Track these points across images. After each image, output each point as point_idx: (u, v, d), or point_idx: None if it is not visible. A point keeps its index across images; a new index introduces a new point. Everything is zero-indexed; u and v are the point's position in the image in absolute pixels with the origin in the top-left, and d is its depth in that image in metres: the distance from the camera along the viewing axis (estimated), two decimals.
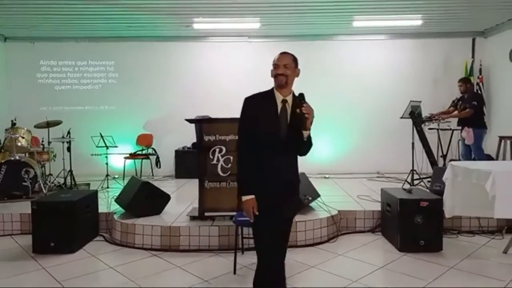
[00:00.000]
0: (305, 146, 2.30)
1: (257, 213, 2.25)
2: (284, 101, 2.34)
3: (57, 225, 3.88)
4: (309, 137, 2.28)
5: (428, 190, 4.95)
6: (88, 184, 6.17)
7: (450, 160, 5.69)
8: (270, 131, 2.27)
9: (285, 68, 2.32)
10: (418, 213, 3.79)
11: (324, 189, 5.28)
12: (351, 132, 7.60)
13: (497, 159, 6.28)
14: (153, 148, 7.46)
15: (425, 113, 6.22)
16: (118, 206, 4.62)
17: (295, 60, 2.40)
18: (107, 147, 6.42)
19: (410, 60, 7.65)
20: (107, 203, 4.98)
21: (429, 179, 5.53)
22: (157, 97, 7.66)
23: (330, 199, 4.92)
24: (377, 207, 4.54)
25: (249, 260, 3.63)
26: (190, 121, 4.19)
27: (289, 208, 2.39)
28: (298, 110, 2.25)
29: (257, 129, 2.27)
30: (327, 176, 7.00)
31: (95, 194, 4.62)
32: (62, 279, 3.28)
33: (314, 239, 4.10)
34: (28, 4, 5.66)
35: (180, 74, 7.68)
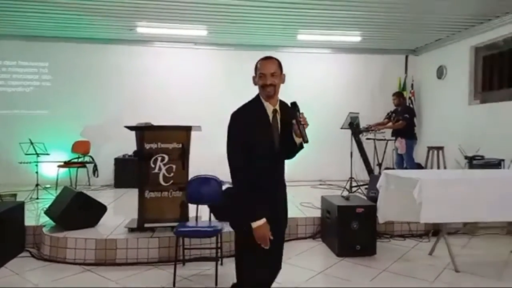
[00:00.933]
0: (297, 151, 2.22)
1: (272, 237, 2.05)
2: (275, 111, 2.21)
3: None
4: (300, 145, 2.18)
5: (365, 197, 5.22)
6: (15, 195, 5.65)
7: (385, 168, 6.05)
8: (266, 144, 2.14)
9: (273, 77, 2.17)
10: (354, 219, 3.97)
11: None
12: None
13: (426, 167, 6.81)
14: (90, 156, 7.05)
15: (362, 124, 6.58)
16: (48, 219, 4.29)
17: (280, 65, 2.25)
18: (37, 155, 5.96)
19: (350, 74, 8.07)
20: (35, 216, 4.61)
21: (366, 186, 5.83)
22: (96, 102, 7.31)
23: None
24: (318, 213, 4.67)
25: (190, 271, 3.56)
26: (130, 128, 4.03)
27: (286, 217, 2.34)
28: (294, 121, 2.14)
29: (254, 146, 2.11)
30: None
31: (21, 205, 4.24)
32: None
33: None
34: None
35: (122, 79, 7.41)
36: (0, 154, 5.85)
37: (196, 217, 3.66)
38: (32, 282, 3.37)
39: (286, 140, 2.17)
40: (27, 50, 7.18)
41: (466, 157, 5.91)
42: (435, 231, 4.50)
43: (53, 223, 4.20)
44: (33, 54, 7.22)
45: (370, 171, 6.30)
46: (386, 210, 4.04)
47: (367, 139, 6.68)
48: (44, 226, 4.20)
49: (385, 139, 6.72)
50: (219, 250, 3.48)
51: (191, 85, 7.36)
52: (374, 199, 4.51)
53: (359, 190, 6.14)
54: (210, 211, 3.88)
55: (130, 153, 6.93)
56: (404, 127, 6.31)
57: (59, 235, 3.89)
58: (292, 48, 7.80)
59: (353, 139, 6.36)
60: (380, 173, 5.97)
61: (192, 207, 3.75)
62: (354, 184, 6.29)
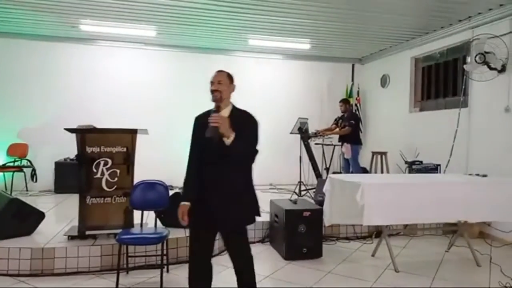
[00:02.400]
0: (233, 153, 2.38)
1: (185, 222, 2.47)
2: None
3: None
4: (236, 144, 2.35)
5: (312, 201, 5.35)
6: None
7: (333, 173, 6.27)
8: (206, 146, 2.43)
9: (219, 84, 2.52)
10: (301, 222, 4.06)
11: None
12: None
13: (370, 171, 7.13)
14: (28, 160, 6.59)
15: (311, 129, 6.76)
16: None
17: (229, 76, 2.61)
18: None
19: (300, 80, 8.28)
20: None
21: (314, 190, 5.99)
22: (35, 102, 6.85)
23: None
24: (267, 218, 4.70)
25: (134, 279, 3.44)
26: (70, 130, 3.83)
27: (227, 220, 2.46)
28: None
29: (197, 144, 2.54)
30: None
31: None
32: None
33: None
34: None
35: (64, 78, 7.01)
36: None
37: (141, 223, 3.55)
38: None
39: (222, 144, 2.39)
40: None
41: (406, 162, 6.26)
42: (377, 233, 4.70)
43: None
44: None
45: (318, 175, 6.48)
46: (332, 213, 4.16)
47: (316, 144, 6.89)
48: None
49: (332, 144, 6.96)
50: (164, 257, 3.39)
51: (139, 87, 7.14)
52: (322, 203, 4.61)
53: (308, 194, 6.30)
54: (156, 217, 3.78)
55: (72, 156, 6.60)
56: (350, 132, 6.57)
57: None
58: (243, 53, 7.85)
59: (302, 143, 6.51)
60: (327, 177, 6.20)
61: (137, 213, 3.62)
62: (303, 188, 6.44)
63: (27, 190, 6.51)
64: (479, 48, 4.98)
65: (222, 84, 2.52)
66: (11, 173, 6.41)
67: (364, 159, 7.47)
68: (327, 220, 4.19)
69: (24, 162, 6.55)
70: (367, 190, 3.62)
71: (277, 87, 8.12)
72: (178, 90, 7.32)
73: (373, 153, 7.18)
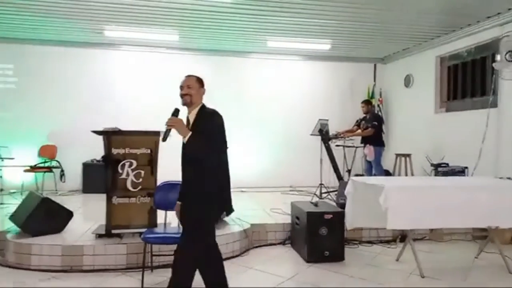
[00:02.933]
0: (190, 150, 2.58)
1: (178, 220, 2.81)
2: (187, 118, 2.68)
3: None
4: (190, 140, 2.53)
5: (334, 203, 5.31)
6: None
7: (355, 175, 6.20)
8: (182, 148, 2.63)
9: (188, 88, 2.64)
10: (323, 225, 4.03)
11: (239, 203, 5.34)
12: (266, 147, 7.87)
13: (394, 174, 7.01)
14: (57, 161, 6.82)
15: (332, 131, 6.71)
16: (12, 224, 4.14)
17: (199, 80, 2.70)
18: (1, 159, 5.74)
19: (319, 81, 8.24)
20: (0, 221, 4.44)
21: (336, 193, 5.94)
22: (63, 105, 7.11)
23: (245, 212, 5.01)
24: (288, 220, 4.72)
25: (158, 278, 3.51)
26: (97, 132, 3.96)
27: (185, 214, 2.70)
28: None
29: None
30: (243, 190, 7.12)
31: None
32: None
33: (227, 254, 4.09)
34: None
35: (90, 82, 7.26)
36: None
37: (165, 223, 3.62)
38: None
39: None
40: None
41: (432, 165, 6.12)
42: (402, 237, 4.59)
43: (18, 229, 4.05)
44: None
45: (339, 177, 6.42)
46: (354, 216, 4.11)
47: (337, 145, 6.82)
48: (9, 232, 4.06)
49: (354, 146, 6.88)
50: None
51: (162, 90, 7.28)
52: (343, 206, 4.58)
53: (329, 196, 6.25)
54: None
55: (99, 158, 6.78)
56: (373, 134, 6.47)
57: (23, 241, 3.77)
58: (262, 55, 7.89)
59: (322, 145, 6.47)
60: (349, 179, 6.13)
61: (161, 213, 3.70)
62: (324, 190, 6.39)
63: (56, 190, 6.75)
64: (509, 45, 4.82)
65: (191, 88, 2.64)
66: (42, 173, 6.68)
67: (387, 161, 7.36)
68: (349, 223, 4.15)
69: (54, 163, 6.78)
70: (391, 193, 3.56)
71: (296, 89, 8.10)
72: None
73: (397, 155, 7.06)
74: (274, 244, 4.58)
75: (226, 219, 4.62)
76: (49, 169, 6.67)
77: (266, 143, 7.86)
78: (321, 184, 6.39)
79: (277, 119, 7.88)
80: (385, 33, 6.53)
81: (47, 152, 6.98)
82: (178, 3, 5.21)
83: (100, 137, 4.01)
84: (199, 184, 2.62)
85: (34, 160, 6.85)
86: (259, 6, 5.27)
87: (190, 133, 2.53)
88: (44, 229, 3.97)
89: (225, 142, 2.75)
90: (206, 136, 2.53)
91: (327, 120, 6.55)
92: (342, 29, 6.30)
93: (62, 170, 6.71)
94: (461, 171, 5.66)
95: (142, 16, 5.71)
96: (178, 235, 3.37)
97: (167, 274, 3.63)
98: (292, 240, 4.53)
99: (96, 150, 6.38)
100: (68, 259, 3.69)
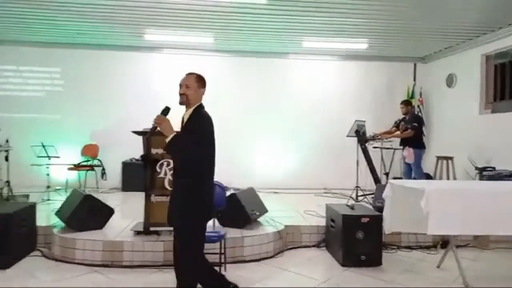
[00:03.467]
0: (170, 150, 2.60)
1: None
2: (183, 117, 2.70)
3: None
4: (171, 141, 2.53)
5: (371, 207, 5.18)
6: (27, 196, 5.77)
7: (393, 178, 6.01)
8: None
9: (186, 88, 2.62)
10: (359, 228, 3.94)
11: (272, 204, 5.34)
12: (300, 149, 7.80)
13: (435, 177, 6.72)
14: (98, 159, 7.14)
15: (369, 132, 6.54)
16: (58, 220, 4.37)
17: (198, 80, 2.66)
18: (49, 157, 6.08)
19: (356, 81, 8.06)
20: (46, 216, 4.70)
21: (373, 196, 5.79)
22: (105, 107, 7.42)
23: (278, 214, 4.99)
24: (323, 222, 4.65)
25: None
26: (137, 133, 4.09)
27: (169, 217, 2.73)
28: None
29: None
30: (276, 191, 7.10)
31: (33, 206, 4.34)
32: None
33: (261, 254, 4.11)
34: None
35: (131, 84, 7.52)
36: (13, 156, 5.96)
37: None
38: (42, 280, 3.44)
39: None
40: (41, 56, 7.35)
41: (476, 168, 5.83)
42: (443, 242, 4.43)
43: (63, 224, 4.28)
44: (46, 60, 7.38)
45: (376, 180, 6.25)
46: (392, 220, 3.97)
47: (374, 147, 6.64)
48: (55, 226, 4.29)
49: (392, 148, 6.68)
50: (222, 256, 3.49)
51: None
52: (381, 209, 4.45)
53: (365, 200, 6.10)
54: (214, 217, 3.90)
55: (137, 157, 7.02)
56: (413, 136, 6.25)
57: (68, 236, 3.96)
58: (297, 55, 7.83)
59: (359, 147, 6.33)
60: (387, 182, 5.95)
61: None
62: (360, 193, 6.25)
63: (97, 188, 7.05)
64: None
65: (190, 88, 2.61)
66: (85, 171, 7.00)
67: (428, 164, 7.08)
68: (387, 228, 4.01)
69: (96, 162, 7.10)
70: (432, 197, 3.41)
71: (332, 89, 7.98)
72: (231, 94, 7.51)
73: (438, 158, 6.78)
74: (308, 247, 4.53)
75: (260, 219, 4.63)
76: (91, 167, 6.98)
77: (300, 144, 7.80)
78: (357, 186, 6.25)
79: (311, 120, 7.80)
80: (426, 31, 6.29)
81: (90, 151, 7.31)
82: (213, 5, 5.28)
83: (140, 137, 4.14)
84: (190, 184, 2.58)
85: (78, 158, 7.19)
86: (294, 7, 5.24)
87: (174, 134, 2.52)
88: (86, 225, 4.16)
89: (212, 146, 2.66)
90: (192, 138, 2.51)
91: (364, 121, 6.40)
92: (380, 28, 6.14)
93: (103, 169, 7.04)
94: (509, 175, 5.33)
95: (179, 20, 5.85)
96: (213, 234, 3.43)
97: None
98: (327, 243, 4.46)
99: (135, 150, 6.66)
100: (109, 254, 3.84)
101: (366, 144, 6.36)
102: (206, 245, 3.82)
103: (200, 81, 2.66)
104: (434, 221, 3.39)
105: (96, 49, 7.37)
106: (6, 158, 5.81)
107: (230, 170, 6.52)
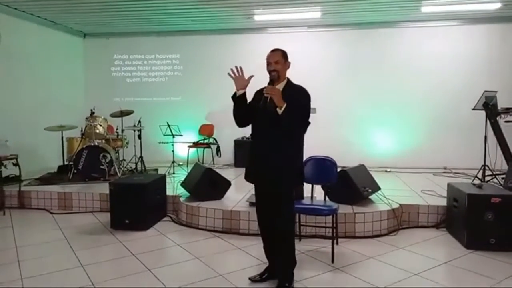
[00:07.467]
0: (284, 122, 2.59)
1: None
2: (260, 91, 2.76)
3: (131, 205, 4.27)
4: (285, 112, 2.56)
5: (501, 187, 4.62)
6: (156, 170, 6.63)
7: None
8: (259, 116, 2.72)
9: (276, 64, 2.71)
10: (488, 209, 3.57)
11: (385, 183, 5.14)
12: (416, 125, 7.26)
13: None
14: (214, 138, 7.77)
15: (501, 105, 5.75)
16: (183, 190, 4.95)
17: (284, 55, 2.76)
18: (173, 136, 6.83)
19: (485, 47, 7.08)
20: (173, 187, 5.34)
21: (503, 176, 5.13)
22: (218, 89, 7.85)
23: (392, 192, 4.80)
24: (442, 202, 4.34)
25: (306, 247, 3.70)
26: None
27: (269, 174, 2.76)
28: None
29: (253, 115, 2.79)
30: (388, 170, 6.78)
31: (163, 178, 4.97)
32: (137, 252, 3.62)
33: (374, 232, 4.04)
34: (104, 2, 6.13)
35: (241, 66, 7.84)
36: (144, 135, 6.83)
37: (311, 196, 3.76)
38: (174, 242, 3.97)
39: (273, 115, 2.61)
40: (162, 44, 8.17)
41: None
42: None
43: (188, 194, 4.82)
44: (167, 48, 8.17)
45: (509, 159, 5.49)
46: None
47: (506, 121, 5.82)
48: (181, 196, 4.84)
49: None
50: (334, 230, 3.53)
51: (304, 68, 7.39)
52: None
53: (494, 180, 5.43)
54: (325, 192, 3.93)
55: (248, 135, 7.42)
56: None
57: (193, 204, 4.45)
58: (414, 23, 7.19)
59: (488, 122, 5.61)
60: None
61: (307, 187, 3.84)
62: (488, 173, 5.58)
63: (213, 163, 7.68)
64: None
65: (279, 63, 2.69)
66: (202, 149, 7.69)
67: None
68: None
69: (211, 140, 7.73)
70: None
71: (455, 59, 7.13)
72: (343, 70, 7.31)
73: None
74: (426, 227, 4.27)
75: (372, 197, 4.52)
76: (208, 145, 7.63)
77: (416, 120, 7.25)
78: (484, 165, 5.60)
79: (431, 94, 7.14)
80: None
81: (206, 130, 7.97)
82: None
83: None
84: (294, 153, 2.75)
85: (196, 137, 7.91)
86: None
87: (285, 104, 2.56)
88: (209, 195, 4.62)
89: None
90: (301, 111, 2.64)
91: (496, 92, 5.63)
92: None
93: (218, 146, 7.64)
94: None
95: None
96: (326, 208, 3.48)
97: (313, 243, 3.81)
98: (448, 224, 4.14)
99: (246, 128, 7.03)
100: (228, 222, 4.22)
101: (497, 118, 5.61)
102: (318, 218, 3.93)
103: (285, 55, 2.78)
104: None
105: (209, 34, 7.88)
106: (139, 137, 6.66)
107: (339, 148, 6.46)
